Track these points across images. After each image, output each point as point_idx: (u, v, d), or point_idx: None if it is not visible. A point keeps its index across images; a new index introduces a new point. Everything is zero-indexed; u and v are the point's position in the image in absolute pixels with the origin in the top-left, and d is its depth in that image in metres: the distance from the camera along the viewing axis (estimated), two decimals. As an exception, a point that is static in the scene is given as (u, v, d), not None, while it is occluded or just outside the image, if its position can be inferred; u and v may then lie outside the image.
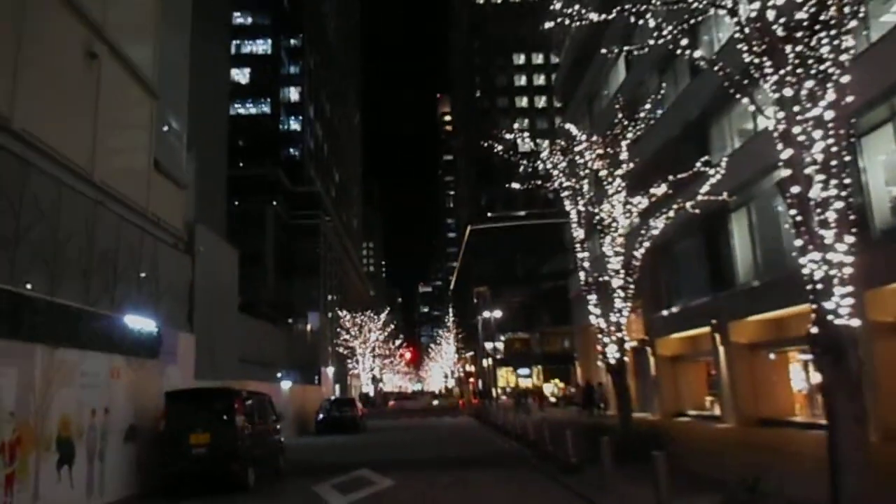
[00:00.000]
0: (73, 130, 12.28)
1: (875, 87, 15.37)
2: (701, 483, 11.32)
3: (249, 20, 76.40)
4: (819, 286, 6.93)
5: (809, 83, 6.77)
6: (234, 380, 18.11)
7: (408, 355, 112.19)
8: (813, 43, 6.70)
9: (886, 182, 17.11)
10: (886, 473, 8.86)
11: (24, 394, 9.40)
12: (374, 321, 63.38)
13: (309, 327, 39.38)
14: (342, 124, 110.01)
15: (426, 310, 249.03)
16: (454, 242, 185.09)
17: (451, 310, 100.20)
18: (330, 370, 40.31)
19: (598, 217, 16.86)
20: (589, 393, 38.17)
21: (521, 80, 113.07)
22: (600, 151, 16.74)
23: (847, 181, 6.63)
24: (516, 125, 18.14)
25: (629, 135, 16.70)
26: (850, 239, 6.63)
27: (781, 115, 7.06)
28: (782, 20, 6.93)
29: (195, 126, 19.00)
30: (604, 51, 12.78)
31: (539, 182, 18.28)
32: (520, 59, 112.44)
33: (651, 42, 8.59)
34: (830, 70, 6.64)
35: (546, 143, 17.49)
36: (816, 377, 22.43)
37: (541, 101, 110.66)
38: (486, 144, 18.32)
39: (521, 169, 18.04)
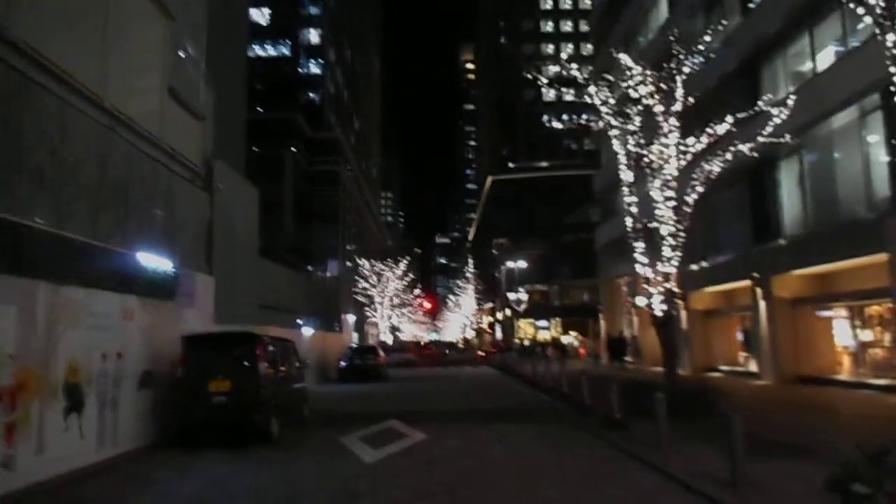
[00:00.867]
0: (81, 47, 11.09)
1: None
2: (768, 447, 10.30)
3: (268, -45, 74.06)
4: None
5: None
6: (254, 325, 17.22)
7: (427, 305, 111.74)
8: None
9: None
10: None
11: (26, 335, 8.45)
12: (393, 270, 62.59)
13: (329, 274, 38.56)
14: (363, 70, 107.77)
15: (443, 261, 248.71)
16: (473, 194, 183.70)
17: (470, 260, 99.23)
18: (351, 317, 39.60)
19: (647, 159, 15.57)
20: (618, 345, 37.37)
21: (548, 27, 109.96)
22: (653, 88, 15.37)
23: None
24: (563, 54, 16.63)
25: (685, 69, 15.34)
26: None
27: None
28: None
29: (213, 59, 17.74)
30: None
31: (583, 121, 16.96)
32: (547, 3, 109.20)
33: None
34: None
35: (584, 72, 16.03)
36: (866, 334, 21.35)
37: (567, 49, 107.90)
38: (529, 75, 16.83)
39: (549, 117, 16.67)
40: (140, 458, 10.85)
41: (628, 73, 15.51)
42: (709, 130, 15.14)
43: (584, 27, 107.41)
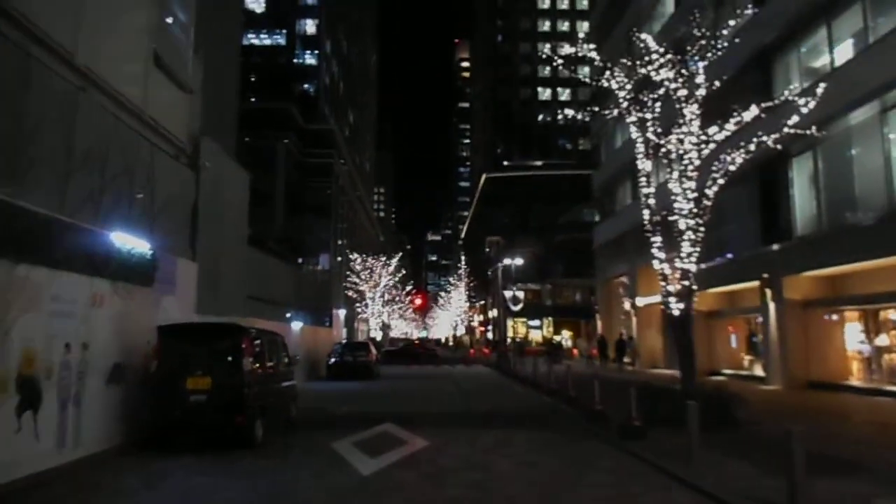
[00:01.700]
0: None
1: None
2: (812, 461, 9.22)
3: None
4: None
5: None
6: (240, 317, 16.01)
7: (418, 301, 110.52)
8: None
9: None
10: None
11: (-30, 319, 7.26)
12: (385, 265, 61.45)
13: (320, 267, 37.33)
14: (359, 64, 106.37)
15: (434, 258, 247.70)
16: (466, 191, 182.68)
17: (462, 258, 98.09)
18: (341, 312, 38.38)
19: (665, 149, 14.47)
20: (619, 346, 36.49)
21: (545, 26, 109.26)
22: (673, 73, 14.29)
23: None
24: (581, 35, 15.44)
25: (708, 55, 14.29)
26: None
27: None
28: None
29: (206, 35, 16.47)
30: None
31: (596, 109, 15.88)
32: (545, 2, 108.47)
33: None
34: None
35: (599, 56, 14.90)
36: (881, 339, 20.37)
37: (565, 48, 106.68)
38: (545, 55, 15.70)
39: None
40: (105, 463, 9.61)
41: (647, 57, 14.45)
42: (732, 119, 14.09)
43: (581, 28, 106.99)
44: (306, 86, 73.15)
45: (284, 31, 72.74)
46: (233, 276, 17.34)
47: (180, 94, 14.58)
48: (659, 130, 14.74)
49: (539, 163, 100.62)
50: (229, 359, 10.72)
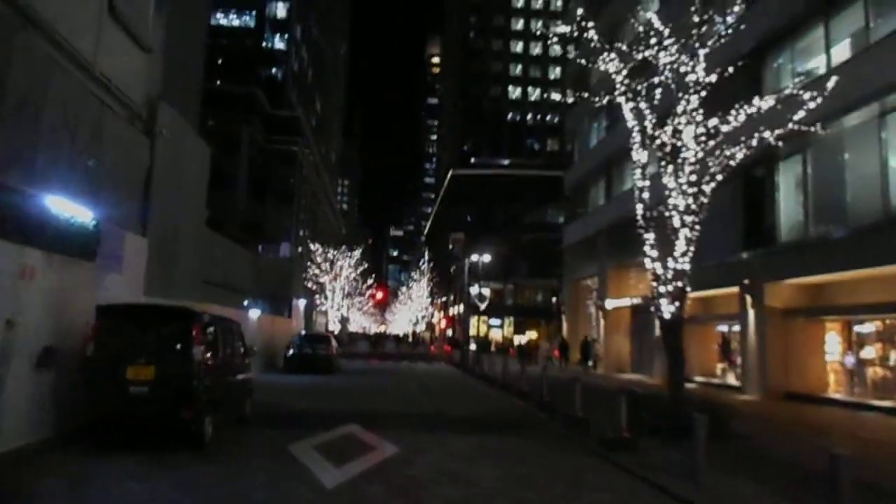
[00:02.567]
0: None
1: None
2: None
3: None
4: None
5: None
6: (193, 301, 14.61)
7: (379, 295, 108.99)
8: None
9: None
10: None
11: None
12: (347, 258, 60.05)
13: (282, 255, 35.83)
14: (328, 52, 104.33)
15: (395, 253, 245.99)
16: (431, 188, 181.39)
17: (426, 253, 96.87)
18: (302, 302, 36.92)
19: (660, 141, 13.53)
20: (584, 349, 35.83)
21: (518, 25, 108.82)
22: (671, 59, 13.36)
23: None
24: (580, 11, 14.33)
25: (709, 42, 13.40)
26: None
27: None
28: None
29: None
30: None
31: (585, 95, 14.84)
32: (518, 1, 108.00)
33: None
34: None
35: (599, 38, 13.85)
36: (870, 351, 19.77)
37: (536, 48, 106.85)
38: (538, 33, 14.66)
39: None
40: (25, 461, 8.20)
41: (649, 39, 13.49)
42: (736, 111, 13.22)
43: (554, 28, 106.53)
44: (274, 70, 71.13)
45: (254, 12, 70.56)
46: (188, 257, 15.93)
47: (138, 52, 13.13)
48: (654, 121, 13.82)
49: (506, 162, 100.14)
50: (177, 346, 9.37)
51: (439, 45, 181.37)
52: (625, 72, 13.93)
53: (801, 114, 13.37)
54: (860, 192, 18.78)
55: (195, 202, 16.83)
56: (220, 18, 68.85)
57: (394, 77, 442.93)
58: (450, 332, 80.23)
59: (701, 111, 13.19)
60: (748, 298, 22.85)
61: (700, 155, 13.16)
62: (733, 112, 13.26)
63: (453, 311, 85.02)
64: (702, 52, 13.39)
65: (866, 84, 17.65)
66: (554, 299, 66.84)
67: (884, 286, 18.26)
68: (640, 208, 13.89)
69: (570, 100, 44.66)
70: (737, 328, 24.56)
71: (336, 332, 48.49)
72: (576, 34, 14.03)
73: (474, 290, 41.85)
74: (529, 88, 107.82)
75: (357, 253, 62.29)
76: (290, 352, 26.28)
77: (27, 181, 8.90)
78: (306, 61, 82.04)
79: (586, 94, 17.06)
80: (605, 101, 15.28)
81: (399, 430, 11.87)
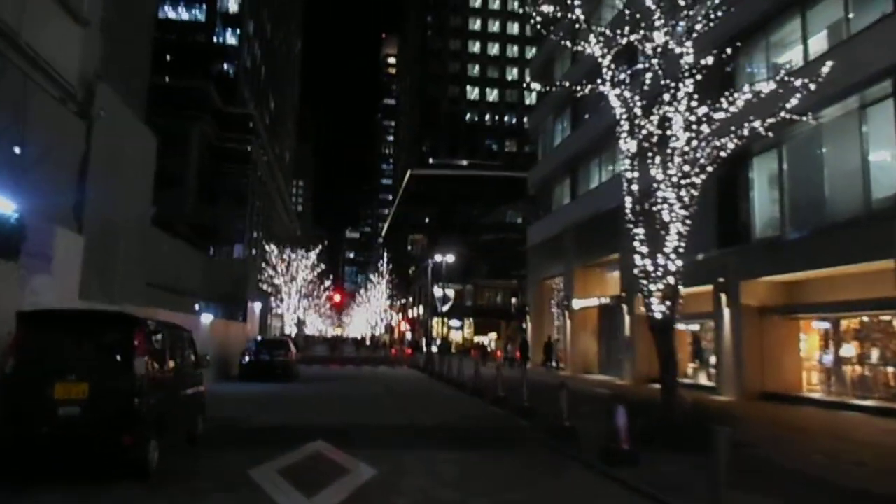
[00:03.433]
0: None
1: None
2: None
3: None
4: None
5: None
6: (138, 306, 13.13)
7: (337, 298, 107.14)
8: None
9: None
10: None
11: None
12: (303, 259, 58.41)
13: (235, 256, 34.23)
14: (282, 49, 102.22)
15: (352, 255, 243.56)
16: (388, 189, 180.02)
17: (384, 255, 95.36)
18: (257, 306, 35.32)
19: (647, 130, 12.60)
20: (547, 349, 35.10)
21: (476, 25, 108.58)
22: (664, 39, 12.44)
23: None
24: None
25: (698, 26, 12.50)
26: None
27: None
28: None
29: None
30: None
31: (567, 84, 13.87)
32: (476, 1, 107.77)
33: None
34: None
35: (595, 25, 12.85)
36: (849, 349, 19.21)
37: (494, 49, 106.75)
38: (522, 11, 13.62)
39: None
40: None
41: (632, 22, 12.57)
42: (728, 98, 12.38)
43: (510, 29, 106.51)
44: (225, 66, 69.05)
45: (204, 6, 68.24)
46: (131, 257, 14.43)
47: (71, 24, 11.67)
48: (640, 110, 12.88)
49: (465, 162, 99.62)
50: (116, 358, 7.98)
51: (396, 45, 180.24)
52: (609, 56, 12.97)
53: (793, 102, 12.62)
54: (838, 188, 18.24)
55: (139, 195, 15.35)
56: (169, 12, 66.47)
57: (349, 77, 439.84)
58: (409, 335, 78.98)
59: (696, 96, 12.29)
60: (723, 297, 22.17)
61: (693, 143, 12.26)
62: (723, 99, 12.42)
63: (413, 312, 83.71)
64: (697, 26, 12.47)
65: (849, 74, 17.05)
66: (514, 300, 66.21)
67: (863, 283, 17.67)
68: (628, 201, 12.94)
69: (529, 101, 44.05)
70: (711, 326, 23.88)
71: (293, 336, 46.88)
72: (559, 14, 12.96)
73: (438, 291, 40.62)
74: (487, 89, 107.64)
75: (313, 254, 60.65)
76: (246, 358, 24.76)
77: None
78: (259, 58, 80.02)
79: (556, 86, 16.00)
80: (587, 91, 14.28)
81: (372, 448, 10.64)
